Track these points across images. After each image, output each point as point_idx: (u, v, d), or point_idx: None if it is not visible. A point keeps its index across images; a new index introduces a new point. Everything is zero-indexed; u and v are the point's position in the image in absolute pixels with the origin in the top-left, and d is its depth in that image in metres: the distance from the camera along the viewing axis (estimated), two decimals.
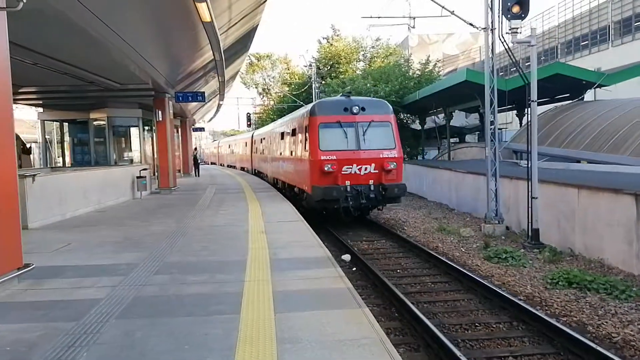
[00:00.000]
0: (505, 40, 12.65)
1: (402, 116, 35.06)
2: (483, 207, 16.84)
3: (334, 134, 15.16)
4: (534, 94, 12.55)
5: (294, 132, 18.37)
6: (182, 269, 6.93)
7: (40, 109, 24.21)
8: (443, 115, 36.84)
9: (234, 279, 6.27)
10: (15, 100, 25.46)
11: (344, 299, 5.41)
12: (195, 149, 44.55)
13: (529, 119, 12.83)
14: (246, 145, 38.30)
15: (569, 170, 16.34)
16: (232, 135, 70.78)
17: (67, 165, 24.23)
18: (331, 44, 43.99)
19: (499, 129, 28.19)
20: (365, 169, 15.01)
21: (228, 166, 50.92)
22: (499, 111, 28.75)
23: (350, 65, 42.90)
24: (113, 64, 14.26)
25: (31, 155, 32.37)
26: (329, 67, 42.94)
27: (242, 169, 40.89)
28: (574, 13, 44.34)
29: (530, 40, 12.58)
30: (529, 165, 12.61)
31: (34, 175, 10.87)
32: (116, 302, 5.42)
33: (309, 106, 16.96)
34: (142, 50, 13.55)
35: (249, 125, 56.90)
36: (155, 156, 21.71)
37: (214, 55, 15.78)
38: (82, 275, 6.63)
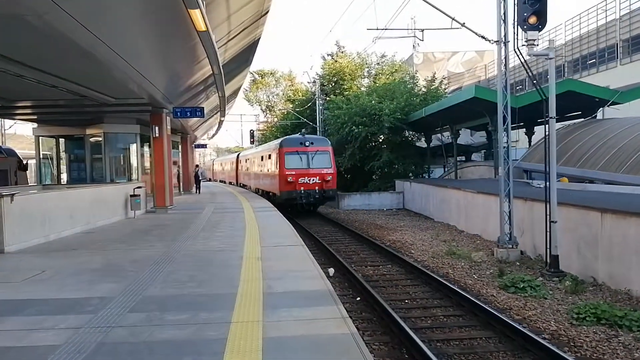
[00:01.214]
0: (521, 53, 11.86)
1: (407, 134, 34.29)
2: (494, 229, 15.95)
3: (294, 158, 24.36)
4: (552, 110, 11.73)
5: (269, 157, 27.67)
6: (161, 304, 6.05)
7: (35, 125, 23.50)
8: (449, 133, 36.07)
9: (219, 319, 5.39)
10: (9, 115, 24.88)
11: (348, 350, 4.51)
12: (197, 165, 43.86)
13: (547, 136, 11.99)
14: (232, 164, 47.81)
15: (586, 192, 15.42)
16: (235, 152, 70.28)
17: (62, 183, 23.44)
18: (336, 61, 43.38)
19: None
20: (313, 180, 24.03)
21: (220, 181, 57.58)
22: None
23: (355, 82, 42.21)
24: (105, 77, 13.55)
25: (27, 172, 31.75)
26: (333, 84, 42.27)
27: (230, 183, 48.35)
28: (581, 31, 43.74)
29: (548, 52, 11.81)
30: (547, 186, 11.74)
31: (13, 194, 10.04)
32: (75, 351, 4.54)
33: (279, 140, 27.25)
34: (135, 63, 12.81)
35: (252, 142, 56.33)
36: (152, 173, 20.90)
37: (212, 68, 15.03)
38: (45, 313, 5.76)
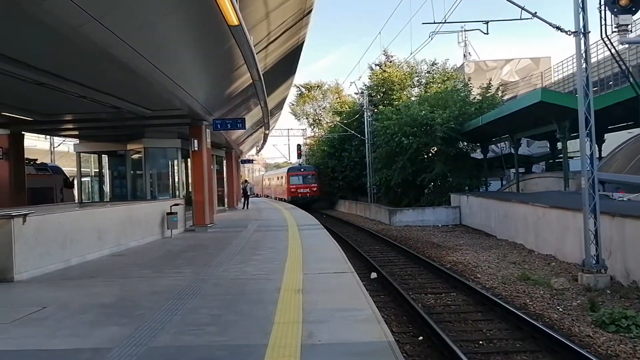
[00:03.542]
0: (610, 42, 9.96)
1: (461, 144, 32.17)
2: (572, 249, 13.98)
3: (296, 178, 45.91)
4: None
5: (281, 177, 50.43)
6: None
7: (77, 140, 22.97)
8: (505, 143, 33.62)
9: None
10: (53, 132, 24.53)
11: None
12: (246, 181, 43.21)
13: None
14: (260, 181, 74.70)
15: None
16: (283, 167, 70.30)
17: (105, 200, 22.73)
18: (384, 70, 41.76)
19: (570, 157, 24.95)
20: (305, 190, 45.05)
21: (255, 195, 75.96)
22: (573, 137, 25.51)
23: (405, 92, 40.42)
24: (138, 85, 12.42)
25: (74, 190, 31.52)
26: (382, 94, 40.60)
27: (258, 195, 67.32)
28: None
29: None
30: None
31: (25, 214, 8.91)
32: None
33: (286, 168, 50.75)
34: (167, 69, 11.64)
35: (299, 157, 55.42)
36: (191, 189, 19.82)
37: (250, 74, 13.75)
38: None
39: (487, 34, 15.44)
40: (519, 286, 11.72)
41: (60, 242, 10.10)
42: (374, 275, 13.32)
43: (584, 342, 7.86)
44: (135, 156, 21.89)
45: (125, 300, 7.17)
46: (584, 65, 11.93)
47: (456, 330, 8.73)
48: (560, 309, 9.80)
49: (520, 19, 12.90)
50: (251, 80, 15.33)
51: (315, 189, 45.32)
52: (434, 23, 16.82)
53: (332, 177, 45.18)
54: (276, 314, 6.06)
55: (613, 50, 10.18)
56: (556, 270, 13.20)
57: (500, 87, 36.56)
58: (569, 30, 12.06)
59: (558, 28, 12.26)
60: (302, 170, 47.23)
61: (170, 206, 16.00)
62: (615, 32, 9.85)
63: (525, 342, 7.99)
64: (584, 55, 11.94)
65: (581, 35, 11.81)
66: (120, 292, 7.67)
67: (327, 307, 6.37)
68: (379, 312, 6.28)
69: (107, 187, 23.70)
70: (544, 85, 58.10)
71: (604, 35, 10.00)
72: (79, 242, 10.76)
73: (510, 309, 9.43)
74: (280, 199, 48.13)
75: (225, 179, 32.03)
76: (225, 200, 31.79)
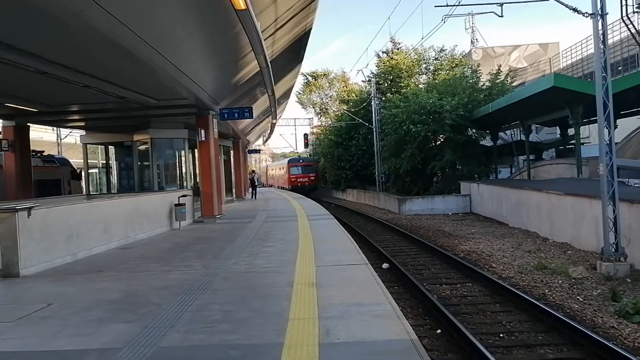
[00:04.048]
0: (631, 22, 9.56)
1: (470, 132, 31.68)
2: (588, 237, 13.67)
3: (296, 169, 52.75)
4: None
5: (283, 168, 56.91)
6: None
7: (83, 132, 22.76)
8: (513, 130, 33.10)
9: None
10: (59, 123, 24.32)
11: None
12: (253, 171, 43.06)
13: None
14: (265, 172, 79.21)
15: None
16: (288, 156, 70.46)
17: (113, 192, 22.54)
18: (391, 58, 41.21)
19: (581, 143, 24.47)
20: (304, 179, 51.76)
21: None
22: (587, 122, 24.99)
23: (412, 79, 39.88)
24: (144, 74, 12.17)
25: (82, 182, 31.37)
26: (389, 82, 40.08)
27: (262, 185, 71.48)
28: None
29: None
30: None
31: (30, 207, 8.68)
32: None
33: (288, 159, 59.44)
34: (173, 58, 11.33)
35: (306, 146, 55.16)
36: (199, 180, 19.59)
37: (258, 61, 13.42)
38: None
39: (502, 16, 14.92)
40: (536, 275, 11.42)
41: (67, 236, 9.89)
42: (386, 265, 13.10)
43: (609, 333, 7.57)
44: (142, 147, 21.66)
45: (133, 295, 6.94)
46: (601, 48, 11.56)
47: (475, 322, 8.45)
48: (581, 299, 9.51)
49: (536, 0, 12.48)
50: (258, 68, 15.02)
51: (313, 178, 52.10)
52: (447, 6, 16.29)
53: (339, 167, 44.44)
54: (290, 310, 5.81)
55: (633, 30, 9.75)
56: (573, 259, 12.87)
57: (510, 74, 35.92)
58: (586, 12, 11.67)
59: (575, 10, 11.86)
60: (301, 161, 54.52)
61: (178, 197, 15.78)
62: (637, 12, 9.45)
63: (548, 335, 7.69)
64: (601, 37, 11.56)
65: (599, 17, 11.43)
66: (128, 288, 7.44)
67: (343, 301, 6.11)
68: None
69: (114, 179, 23.54)
70: (552, 70, 57.31)
71: (624, 15, 9.59)
72: (85, 236, 10.56)
73: (530, 299, 9.13)
74: (282, 188, 53.50)
75: (232, 169, 31.80)
76: (233, 190, 31.61)
